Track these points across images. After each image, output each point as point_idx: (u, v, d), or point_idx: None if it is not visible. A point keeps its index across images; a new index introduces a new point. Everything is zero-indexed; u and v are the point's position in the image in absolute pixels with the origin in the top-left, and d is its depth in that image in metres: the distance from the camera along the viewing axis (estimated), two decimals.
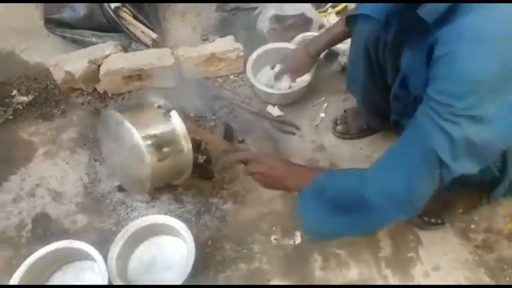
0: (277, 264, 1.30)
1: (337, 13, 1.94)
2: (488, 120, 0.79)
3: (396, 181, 0.89)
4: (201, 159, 1.45)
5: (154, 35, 1.84)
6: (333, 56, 1.77)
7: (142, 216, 1.37)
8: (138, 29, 1.86)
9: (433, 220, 1.35)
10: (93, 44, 1.81)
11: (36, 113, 1.71)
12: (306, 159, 1.54)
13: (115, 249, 1.23)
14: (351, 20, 1.28)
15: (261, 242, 1.35)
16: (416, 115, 0.87)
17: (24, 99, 1.74)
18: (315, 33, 1.74)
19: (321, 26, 1.87)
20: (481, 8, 0.76)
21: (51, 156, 1.58)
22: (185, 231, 1.24)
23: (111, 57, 1.70)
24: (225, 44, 1.75)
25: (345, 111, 1.63)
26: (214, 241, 1.35)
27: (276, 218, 1.39)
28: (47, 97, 1.76)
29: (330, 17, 1.93)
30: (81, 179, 1.51)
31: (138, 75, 1.70)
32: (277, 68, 1.65)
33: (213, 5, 2.09)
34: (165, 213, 1.39)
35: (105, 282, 1.15)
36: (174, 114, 1.31)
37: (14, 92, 1.76)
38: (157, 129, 1.26)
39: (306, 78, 1.63)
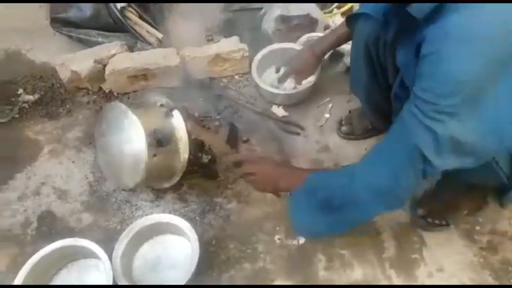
0: (281, 264, 1.30)
1: (343, 14, 1.93)
2: (471, 118, 0.81)
3: (382, 176, 0.92)
4: (206, 159, 1.45)
5: (159, 35, 1.85)
6: (337, 56, 1.78)
7: (146, 215, 1.37)
8: (144, 28, 1.87)
9: (437, 221, 1.35)
10: (99, 43, 1.82)
11: (42, 112, 1.73)
12: (311, 159, 1.54)
13: (120, 247, 1.23)
14: (351, 19, 1.29)
15: (265, 242, 1.35)
16: (402, 112, 0.90)
17: (30, 98, 1.75)
18: (320, 34, 1.74)
19: (326, 27, 1.87)
20: (467, 7, 0.77)
21: (57, 155, 1.59)
22: (189, 230, 1.25)
23: (117, 57, 1.71)
24: (230, 44, 1.75)
25: (349, 111, 1.63)
26: (219, 240, 1.35)
27: (280, 218, 1.39)
28: (53, 96, 1.77)
29: (336, 18, 1.93)
30: (87, 178, 1.52)
31: (143, 75, 1.71)
32: (282, 71, 1.65)
33: (219, 5, 2.09)
34: (170, 212, 1.39)
35: (110, 281, 1.15)
36: (176, 113, 1.32)
37: (20, 90, 1.78)
38: (157, 125, 1.29)
39: (310, 79, 1.63)
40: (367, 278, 1.27)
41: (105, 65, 1.71)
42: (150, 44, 1.84)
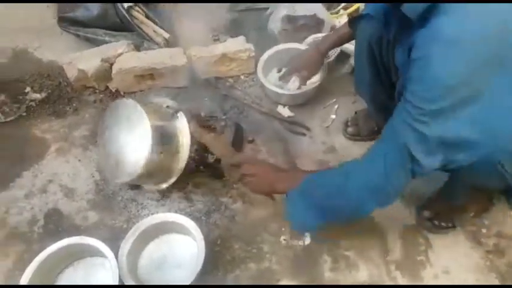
0: (286, 264, 1.30)
1: (349, 15, 1.93)
2: (460, 120, 0.83)
3: (373, 175, 0.97)
4: (211, 158, 1.46)
5: (166, 35, 1.85)
6: (343, 57, 1.77)
7: (152, 214, 1.38)
8: (150, 28, 1.88)
9: (443, 224, 1.34)
10: (106, 42, 1.83)
11: (49, 110, 1.74)
12: (317, 160, 1.54)
13: (126, 246, 1.24)
14: (354, 21, 1.31)
15: (270, 242, 1.35)
16: (393, 114, 0.95)
17: (37, 96, 1.76)
18: None
19: (332, 28, 1.86)
20: (457, 9, 0.78)
21: (64, 153, 1.60)
22: (195, 230, 1.25)
23: (124, 56, 1.72)
24: (237, 44, 1.75)
25: (355, 112, 1.62)
26: (224, 240, 1.35)
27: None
28: (60, 94, 1.78)
29: (342, 19, 1.92)
30: (93, 176, 1.53)
31: (150, 74, 1.72)
32: (284, 70, 1.65)
33: (225, 5, 2.09)
34: (175, 212, 1.39)
35: (116, 279, 1.16)
36: (181, 115, 1.35)
37: (28, 89, 1.79)
38: (163, 124, 1.31)
39: (315, 79, 1.62)
40: (373, 279, 1.27)
41: (111, 64, 1.72)
42: (156, 43, 1.84)
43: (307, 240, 1.34)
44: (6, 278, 1.30)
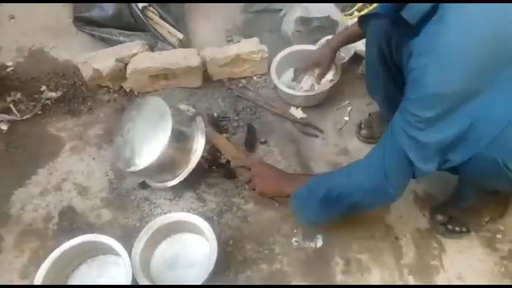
0: (298, 266, 1.30)
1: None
2: (455, 125, 0.87)
3: (373, 175, 1.02)
4: (224, 158, 1.47)
5: (180, 35, 1.87)
6: (357, 59, 1.77)
7: (165, 213, 1.39)
8: (165, 28, 1.89)
9: (457, 228, 1.33)
10: (121, 42, 1.85)
11: (64, 109, 1.76)
12: (329, 162, 1.54)
13: (139, 245, 1.25)
14: (364, 20, 1.31)
15: (282, 244, 1.35)
16: (392, 120, 0.99)
17: (53, 95, 1.79)
18: None
19: None
20: (455, 15, 0.80)
21: (78, 152, 1.62)
22: (208, 230, 1.25)
23: (138, 56, 1.73)
24: (250, 45, 1.76)
25: (369, 114, 1.61)
26: (236, 241, 1.36)
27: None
28: (75, 93, 1.80)
29: (355, 20, 1.92)
30: (107, 175, 1.54)
31: (164, 75, 1.73)
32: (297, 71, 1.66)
33: (239, 6, 2.10)
34: (188, 211, 1.40)
35: (129, 277, 1.16)
36: (199, 119, 1.40)
37: (43, 87, 1.81)
38: (182, 124, 1.36)
39: (328, 77, 1.62)
40: (385, 283, 1.26)
41: (126, 64, 1.73)
42: (170, 44, 1.85)
43: (319, 243, 1.34)
44: (21, 274, 1.32)
